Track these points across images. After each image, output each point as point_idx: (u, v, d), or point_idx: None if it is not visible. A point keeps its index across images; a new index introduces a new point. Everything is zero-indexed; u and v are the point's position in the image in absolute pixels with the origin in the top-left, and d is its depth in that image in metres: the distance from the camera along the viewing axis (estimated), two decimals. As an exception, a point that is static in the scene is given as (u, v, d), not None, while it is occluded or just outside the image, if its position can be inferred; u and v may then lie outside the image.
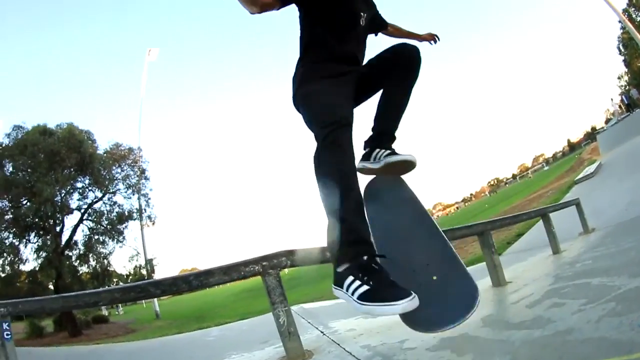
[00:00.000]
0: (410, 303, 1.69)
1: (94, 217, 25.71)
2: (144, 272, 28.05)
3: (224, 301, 37.89)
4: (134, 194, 26.70)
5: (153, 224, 27.33)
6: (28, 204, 22.75)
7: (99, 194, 25.69)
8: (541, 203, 19.59)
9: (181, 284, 2.55)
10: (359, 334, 3.31)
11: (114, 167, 25.87)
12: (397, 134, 2.65)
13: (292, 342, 2.74)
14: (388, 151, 2.53)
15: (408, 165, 2.52)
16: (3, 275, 23.23)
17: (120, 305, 28.88)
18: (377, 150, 2.55)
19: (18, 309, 3.11)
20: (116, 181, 26.12)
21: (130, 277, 27.36)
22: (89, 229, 25.71)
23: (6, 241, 22.81)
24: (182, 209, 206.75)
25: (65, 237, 24.52)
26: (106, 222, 25.57)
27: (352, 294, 1.81)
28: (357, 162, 2.43)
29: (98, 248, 25.27)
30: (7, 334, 2.98)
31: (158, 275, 29.33)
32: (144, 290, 2.54)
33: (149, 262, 27.59)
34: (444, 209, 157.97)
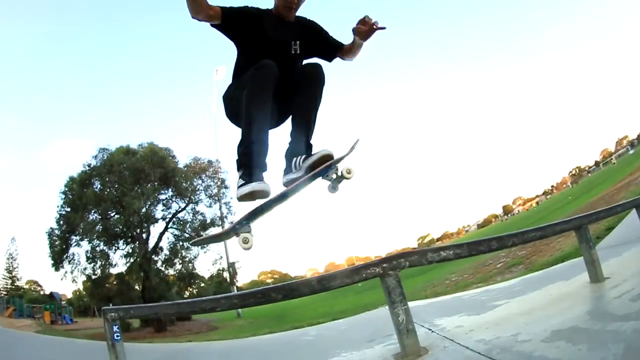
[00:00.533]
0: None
1: (178, 225, 27.35)
2: (225, 274, 29.03)
3: (301, 302, 37.42)
4: (215, 203, 28.09)
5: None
6: (117, 216, 24.67)
7: (182, 204, 27.38)
8: (631, 193, 18.52)
9: (303, 288, 2.68)
10: (469, 330, 3.32)
11: (195, 179, 27.52)
12: (312, 141, 2.97)
13: (409, 339, 2.84)
14: (303, 156, 2.82)
15: (326, 158, 2.71)
16: (95, 277, 25.30)
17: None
18: (294, 159, 2.85)
19: (130, 314, 3.37)
20: (198, 192, 27.79)
21: (213, 279, 28.60)
22: (173, 236, 27.52)
23: (97, 248, 24.89)
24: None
25: (151, 243, 26.32)
26: (190, 230, 27.04)
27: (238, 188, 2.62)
28: (282, 178, 2.92)
29: (183, 253, 26.84)
30: (117, 336, 3.30)
31: (239, 278, 30.56)
32: (265, 295, 2.67)
33: (231, 265, 28.56)
34: (524, 204, 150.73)
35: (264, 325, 22.58)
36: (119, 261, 26.81)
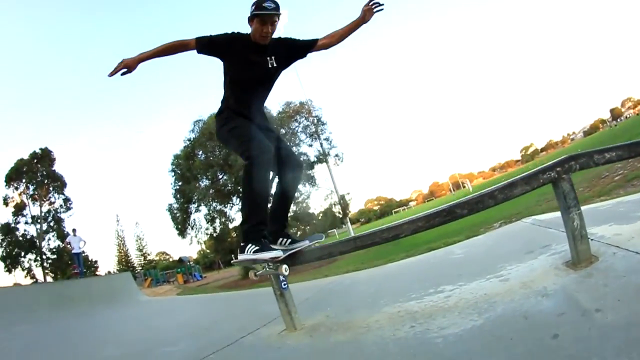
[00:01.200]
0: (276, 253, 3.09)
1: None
2: (335, 209, 29.76)
3: None
4: (315, 141, 28.41)
5: (342, 161, 29.02)
6: (225, 176, 25.88)
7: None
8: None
9: (487, 199, 2.67)
10: (630, 237, 3.17)
11: (291, 123, 27.81)
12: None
13: (582, 245, 2.80)
14: (289, 240, 3.51)
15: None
16: (215, 235, 27.08)
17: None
18: (281, 239, 3.51)
19: (299, 260, 3.51)
20: (297, 134, 28.16)
21: (326, 213, 29.45)
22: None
23: (214, 209, 26.46)
24: (362, 142, 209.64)
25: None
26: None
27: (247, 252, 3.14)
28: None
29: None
30: (284, 284, 3.50)
31: (352, 209, 31.46)
32: (450, 213, 2.67)
33: (341, 198, 29.21)
34: (635, 106, 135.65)
35: (381, 255, 22.83)
36: (236, 216, 28.77)
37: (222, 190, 26.60)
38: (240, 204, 3.91)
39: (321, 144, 28.72)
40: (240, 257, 3.24)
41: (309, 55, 3.81)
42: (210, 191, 26.59)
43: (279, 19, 3.44)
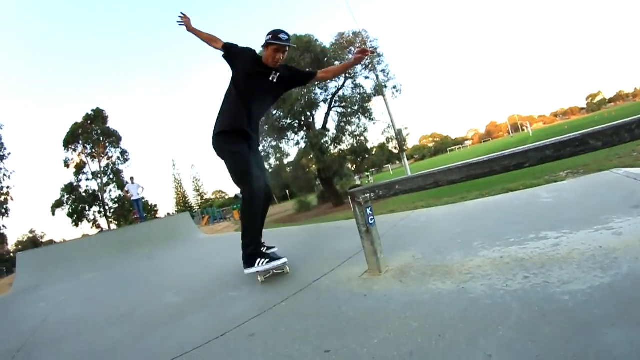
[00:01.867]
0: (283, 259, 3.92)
1: (340, 103, 27.55)
2: (391, 144, 29.18)
3: None
4: (371, 72, 27.54)
5: (400, 92, 28.09)
6: (279, 111, 25.58)
7: (340, 82, 27.29)
8: None
9: (623, 133, 2.21)
10: None
11: (345, 54, 26.88)
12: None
13: None
14: (266, 260, 3.89)
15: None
16: (271, 170, 27.30)
17: (370, 174, 30.86)
18: (258, 259, 3.90)
19: (395, 189, 3.08)
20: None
21: (382, 147, 28.95)
22: (337, 114, 27.85)
23: (269, 145, 26.42)
24: (420, 76, 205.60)
25: (317, 128, 27.19)
26: (351, 105, 27.14)
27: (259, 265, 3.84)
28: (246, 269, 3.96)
29: (349, 129, 27.33)
30: (371, 219, 3.08)
31: (408, 144, 30.84)
32: (582, 142, 2.24)
33: (399, 132, 28.53)
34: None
35: (442, 191, 22.40)
36: (291, 151, 29.06)
37: (277, 126, 26.32)
38: (242, 218, 4.17)
39: (377, 76, 27.70)
40: (253, 269, 3.91)
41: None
42: (265, 127, 26.35)
43: (289, 49, 4.04)
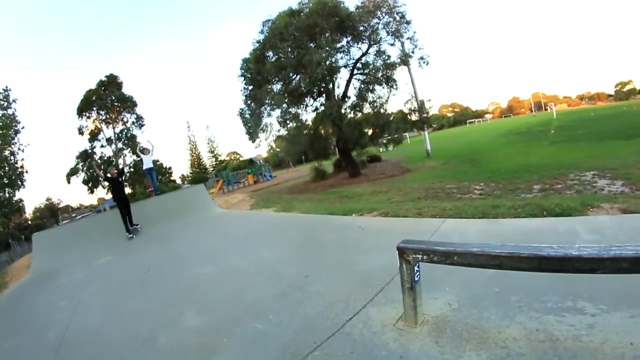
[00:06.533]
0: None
1: (362, 70, 26.99)
2: (413, 117, 28.65)
3: (493, 143, 35.55)
4: (397, 40, 26.76)
5: (427, 64, 27.24)
6: (298, 77, 25.11)
7: (364, 48, 26.63)
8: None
9: None
10: None
11: (371, 19, 26.05)
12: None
13: None
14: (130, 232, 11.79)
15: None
16: (288, 137, 27.06)
17: (388, 144, 30.38)
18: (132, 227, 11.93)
19: (453, 259, 2.91)
20: (377, 32, 26.45)
21: (403, 117, 28.45)
22: (359, 82, 27.35)
23: (287, 112, 26.08)
24: (444, 43, 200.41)
25: (338, 93, 26.84)
26: (375, 72, 26.54)
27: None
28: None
29: (370, 97, 26.85)
30: (417, 276, 2.97)
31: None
32: None
33: (422, 103, 27.92)
34: None
35: (457, 168, 22.11)
36: (309, 117, 28.35)
37: (296, 92, 25.74)
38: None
39: (402, 44, 26.79)
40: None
41: None
42: (284, 94, 25.90)
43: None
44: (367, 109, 27.20)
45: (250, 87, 27.38)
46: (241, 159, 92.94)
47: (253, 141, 28.22)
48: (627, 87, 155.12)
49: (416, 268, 2.99)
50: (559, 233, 5.03)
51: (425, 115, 28.50)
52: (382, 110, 26.84)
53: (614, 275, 3.76)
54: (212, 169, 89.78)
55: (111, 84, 50.85)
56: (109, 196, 48.53)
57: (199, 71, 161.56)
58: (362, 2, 26.31)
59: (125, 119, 51.98)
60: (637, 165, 13.35)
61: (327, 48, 23.86)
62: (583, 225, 5.20)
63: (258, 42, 26.51)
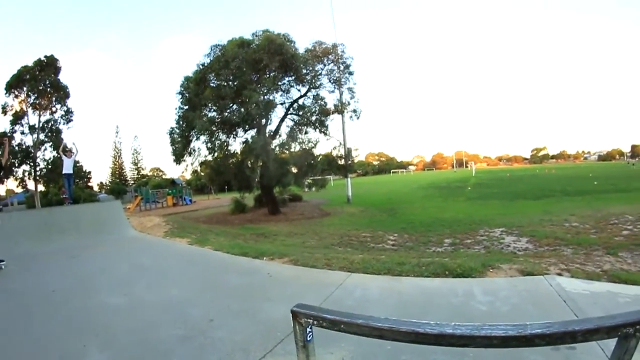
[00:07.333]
0: None
1: (298, 111, 27.53)
2: (339, 162, 29.33)
3: (413, 194, 37.47)
4: (337, 88, 27.56)
5: (358, 117, 28.24)
6: (235, 106, 25.26)
7: (303, 90, 27.30)
8: None
9: (567, 338, 2.29)
10: None
11: (316, 64, 26.81)
12: None
13: None
14: None
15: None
16: (214, 165, 26.97)
17: (312, 186, 31.02)
18: None
19: (340, 327, 2.98)
20: (319, 77, 27.27)
21: (324, 158, 29.19)
22: (294, 122, 27.98)
23: (217, 139, 26.20)
24: (378, 98, 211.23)
25: (270, 129, 27.34)
26: (309, 115, 27.12)
27: None
28: None
29: (300, 137, 27.39)
30: (309, 337, 3.03)
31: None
32: (527, 340, 2.32)
33: (349, 151, 28.88)
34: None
35: (375, 216, 22.68)
36: (238, 147, 28.50)
37: (230, 122, 25.72)
38: None
39: (341, 93, 27.80)
40: None
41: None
42: (216, 122, 25.82)
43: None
44: (295, 148, 27.57)
45: (186, 107, 27.12)
46: (164, 176, 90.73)
47: (178, 163, 27.77)
48: (542, 153, 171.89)
49: (308, 329, 3.07)
50: (456, 294, 5.35)
51: (350, 162, 29.29)
52: (310, 152, 27.31)
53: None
54: (132, 182, 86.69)
55: (49, 66, 47.15)
56: (19, 190, 45.33)
57: (140, 77, 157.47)
58: (312, 46, 27.11)
59: (54, 109, 47.95)
60: (542, 224, 14.62)
61: (268, 85, 24.22)
62: (480, 286, 5.61)
63: (203, 65, 26.55)
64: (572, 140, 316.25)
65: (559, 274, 6.12)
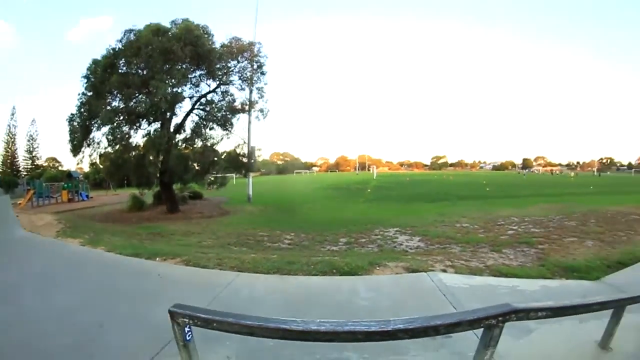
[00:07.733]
0: None
1: (205, 107, 27.11)
2: (242, 160, 29.23)
3: (313, 195, 38.46)
4: (247, 87, 27.58)
5: (264, 117, 28.25)
6: (142, 96, 24.24)
7: (213, 85, 26.95)
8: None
9: (431, 331, 2.71)
10: None
11: (230, 60, 26.70)
12: None
13: None
14: None
15: None
16: (114, 158, 25.69)
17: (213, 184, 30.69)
18: None
19: (212, 326, 3.18)
20: (231, 73, 27.11)
21: (227, 156, 29.00)
22: (199, 117, 27.45)
23: (119, 131, 24.88)
24: (288, 99, 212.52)
25: (175, 122, 26.82)
26: (216, 111, 26.83)
27: None
28: None
29: (205, 134, 27.02)
30: (189, 336, 3.20)
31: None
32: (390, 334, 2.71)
33: (252, 150, 28.98)
34: (545, 166, 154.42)
35: (274, 215, 22.90)
36: (140, 141, 26.92)
37: (134, 112, 24.57)
38: None
39: (251, 92, 27.79)
40: None
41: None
42: (120, 114, 24.62)
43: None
44: (199, 145, 27.17)
45: (90, 94, 25.13)
46: (60, 168, 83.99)
47: (75, 155, 25.83)
48: (441, 160, 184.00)
49: (187, 329, 3.30)
50: (341, 291, 5.78)
51: (252, 161, 29.32)
52: (213, 149, 27.05)
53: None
54: (25, 173, 79.80)
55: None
56: None
57: (46, 52, 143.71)
58: (229, 41, 26.75)
59: None
60: (435, 224, 15.81)
61: (178, 77, 23.62)
62: (365, 283, 6.08)
63: (113, 49, 25.00)
64: (470, 150, 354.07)
65: (444, 270, 6.87)
